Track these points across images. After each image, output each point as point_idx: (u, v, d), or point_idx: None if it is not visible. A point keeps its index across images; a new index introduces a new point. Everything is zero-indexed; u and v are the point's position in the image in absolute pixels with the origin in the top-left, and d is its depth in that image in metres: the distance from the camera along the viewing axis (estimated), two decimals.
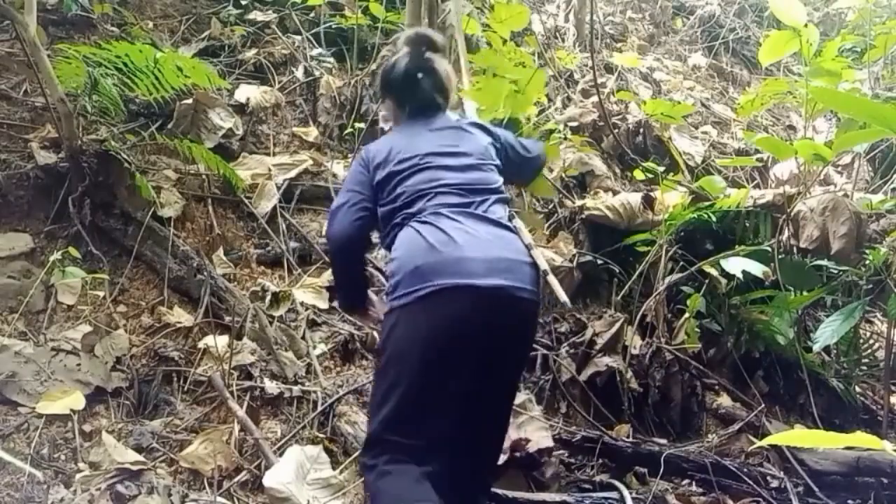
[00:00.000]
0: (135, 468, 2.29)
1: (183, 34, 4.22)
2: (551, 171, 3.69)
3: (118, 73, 3.08)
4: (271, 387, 2.71)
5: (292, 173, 3.60)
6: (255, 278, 3.21)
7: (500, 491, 2.38)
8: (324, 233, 3.46)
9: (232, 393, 2.64)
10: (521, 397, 2.74)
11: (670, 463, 2.71)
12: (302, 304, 3.07)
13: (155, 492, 2.24)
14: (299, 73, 4.22)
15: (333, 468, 2.44)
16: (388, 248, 2.00)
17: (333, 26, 4.45)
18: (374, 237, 2.25)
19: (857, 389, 3.54)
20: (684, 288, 3.35)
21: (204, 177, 3.42)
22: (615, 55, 5.39)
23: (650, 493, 2.61)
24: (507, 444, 2.53)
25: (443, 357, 1.83)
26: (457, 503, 1.92)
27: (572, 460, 2.78)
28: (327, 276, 3.23)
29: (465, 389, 1.88)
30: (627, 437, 2.89)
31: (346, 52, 4.36)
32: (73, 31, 3.85)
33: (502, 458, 2.49)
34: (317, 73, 4.20)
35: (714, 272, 3.31)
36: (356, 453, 2.50)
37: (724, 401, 3.27)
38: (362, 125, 3.87)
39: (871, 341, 3.66)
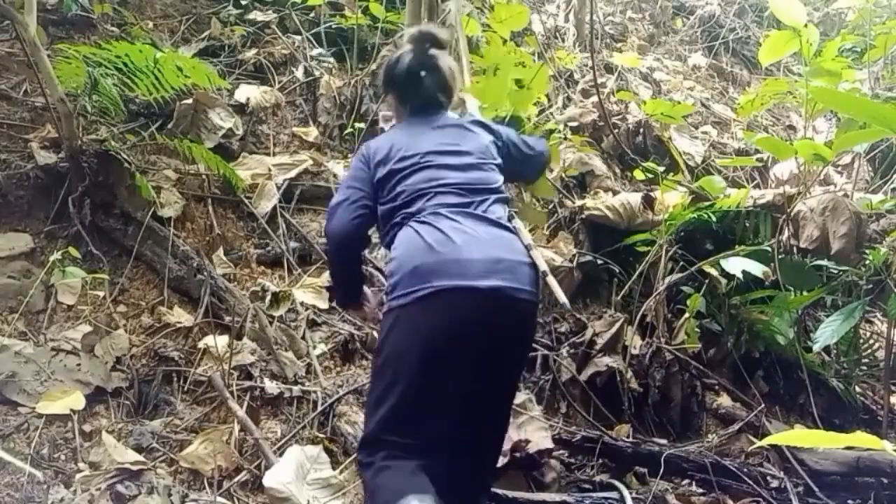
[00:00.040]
0: (135, 468, 2.29)
1: (183, 34, 4.22)
2: (551, 171, 3.68)
3: (118, 73, 3.08)
4: (271, 387, 2.71)
5: (292, 173, 3.60)
6: (255, 278, 3.21)
7: (500, 491, 2.38)
8: (323, 232, 3.48)
9: (232, 393, 2.64)
10: (521, 397, 2.74)
11: (670, 463, 2.71)
12: (302, 304, 3.07)
13: (155, 492, 2.24)
14: (299, 73, 4.22)
15: (333, 468, 2.44)
16: (388, 246, 2.01)
17: (333, 26, 4.45)
18: (374, 236, 2.25)
19: (857, 389, 3.54)
20: (684, 288, 3.35)
21: (204, 177, 3.42)
22: (615, 55, 5.39)
23: (650, 493, 2.61)
24: (507, 445, 2.54)
25: (441, 358, 1.83)
26: (457, 503, 1.92)
27: (572, 460, 2.78)
28: (327, 276, 3.22)
29: (464, 390, 1.88)
30: (627, 437, 2.88)
31: (346, 52, 4.36)
32: (73, 31, 3.85)
33: (503, 460, 2.50)
34: (317, 73, 4.20)
35: (714, 272, 3.31)
36: (356, 453, 2.50)
37: (724, 401, 3.27)
38: (362, 125, 3.87)
39: (871, 341, 3.66)
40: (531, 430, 2.64)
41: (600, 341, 3.13)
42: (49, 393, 2.50)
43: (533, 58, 4.49)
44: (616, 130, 4.25)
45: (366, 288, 2.26)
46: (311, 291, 3.14)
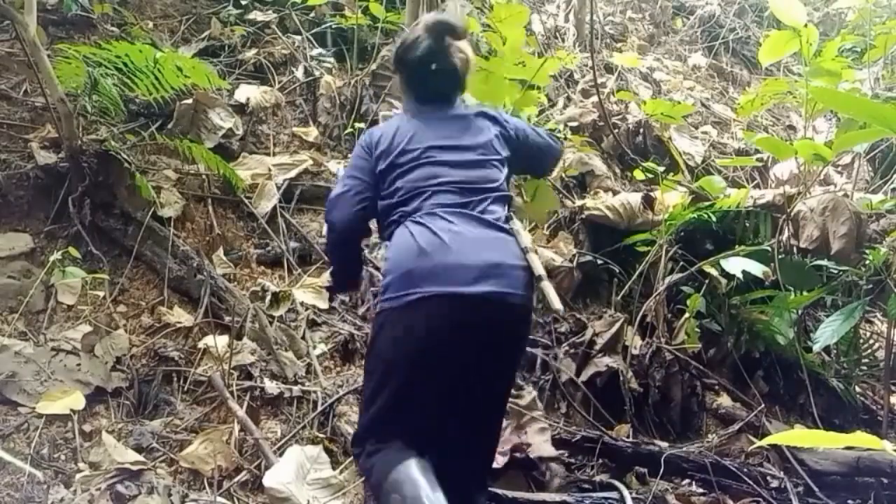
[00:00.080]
0: (135, 468, 2.29)
1: (183, 34, 4.22)
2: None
3: (118, 73, 3.08)
4: (271, 387, 2.71)
5: (292, 173, 3.60)
6: (255, 278, 3.21)
7: (500, 491, 2.39)
8: (323, 232, 3.48)
9: (232, 393, 2.64)
10: (526, 397, 2.75)
11: (670, 463, 2.71)
12: (302, 304, 3.07)
13: (155, 492, 2.24)
14: (299, 73, 4.21)
15: (333, 468, 2.44)
16: (387, 240, 2.01)
17: (333, 26, 4.45)
18: (375, 236, 2.25)
19: (857, 389, 3.54)
20: (684, 288, 3.35)
21: (204, 177, 3.42)
22: (615, 55, 5.39)
23: (650, 493, 2.61)
24: (508, 446, 2.54)
25: (429, 363, 1.84)
26: (455, 503, 1.92)
27: (572, 460, 2.78)
28: (327, 276, 3.23)
29: (454, 394, 1.89)
30: (627, 437, 2.88)
31: (346, 52, 4.36)
32: (73, 31, 3.85)
33: (503, 460, 2.50)
34: (317, 73, 4.20)
35: (714, 272, 3.31)
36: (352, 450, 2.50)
37: (724, 401, 3.27)
38: (362, 125, 3.87)
39: (871, 341, 3.66)
40: (532, 431, 2.65)
41: (600, 341, 3.13)
42: (49, 393, 2.50)
43: (533, 58, 4.48)
44: (616, 130, 4.25)
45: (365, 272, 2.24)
46: (311, 291, 3.14)
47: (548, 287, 1.95)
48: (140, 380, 2.68)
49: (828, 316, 3.25)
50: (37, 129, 3.29)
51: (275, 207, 3.45)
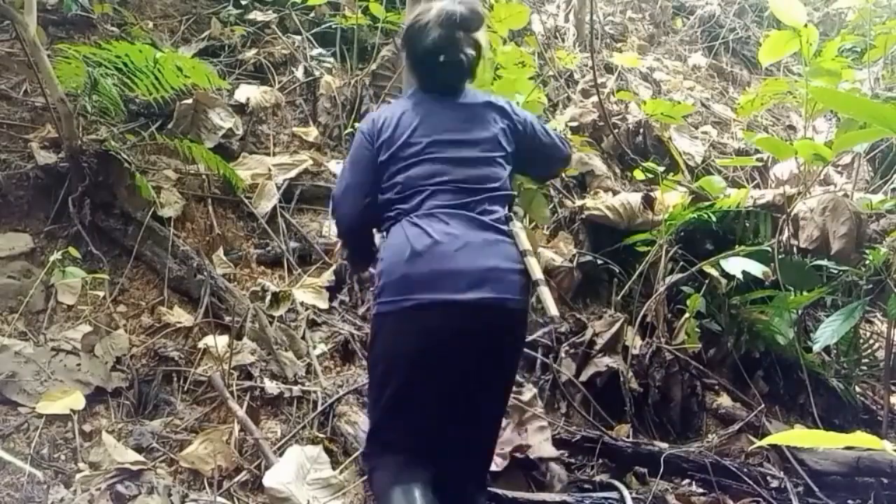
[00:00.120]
0: (135, 468, 2.29)
1: (183, 34, 4.22)
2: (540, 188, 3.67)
3: (118, 73, 3.08)
4: (271, 387, 2.71)
5: (292, 173, 3.60)
6: (255, 278, 3.21)
7: (500, 491, 2.39)
8: (323, 232, 3.48)
9: (232, 393, 2.64)
10: (526, 394, 2.75)
11: (670, 463, 2.71)
12: (302, 304, 3.07)
13: (155, 492, 2.24)
14: (299, 73, 4.21)
15: (333, 468, 2.44)
16: (384, 234, 1.99)
17: (333, 26, 4.45)
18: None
19: (857, 389, 3.54)
20: (684, 288, 3.35)
21: (204, 177, 3.42)
22: (615, 55, 5.39)
23: (650, 493, 2.61)
24: (508, 447, 2.54)
25: (427, 368, 1.84)
26: (454, 503, 1.92)
27: (572, 460, 2.78)
28: (327, 276, 3.23)
29: (453, 397, 1.89)
30: (627, 437, 2.89)
31: (346, 52, 4.36)
32: (73, 31, 3.85)
33: (503, 462, 2.50)
34: (317, 73, 4.19)
35: (714, 272, 3.30)
36: (356, 453, 2.51)
37: (724, 401, 3.27)
38: None
39: (871, 341, 3.66)
40: (532, 430, 2.65)
41: (600, 341, 3.13)
42: (49, 393, 2.50)
43: (533, 58, 4.49)
44: (616, 130, 4.25)
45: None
46: (311, 291, 3.14)
47: (545, 292, 1.91)
48: (140, 380, 2.69)
49: (828, 316, 3.24)
50: (37, 129, 3.29)
51: (275, 207, 3.45)
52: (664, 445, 2.87)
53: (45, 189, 3.10)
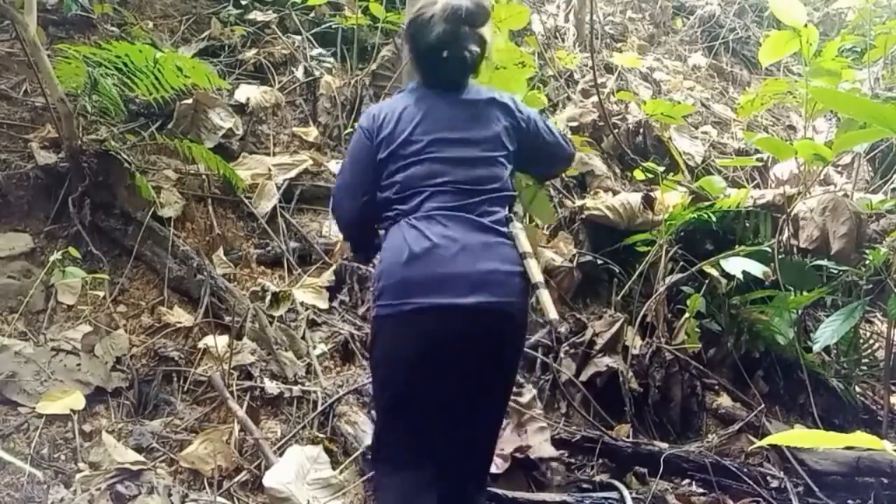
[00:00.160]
0: (135, 468, 2.29)
1: (183, 34, 4.22)
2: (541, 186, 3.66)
3: (118, 73, 3.08)
4: (271, 387, 2.71)
5: (292, 173, 3.60)
6: (255, 278, 3.21)
7: (500, 491, 2.39)
8: (323, 232, 3.48)
9: (232, 393, 2.64)
10: (526, 395, 2.75)
11: (670, 463, 2.71)
12: (302, 304, 3.07)
13: (155, 492, 2.24)
14: (299, 73, 4.21)
15: (333, 468, 2.44)
16: (384, 230, 1.97)
17: (333, 26, 4.45)
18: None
19: (857, 389, 3.54)
20: (684, 288, 3.35)
21: (204, 177, 3.42)
22: (615, 55, 5.39)
23: (650, 493, 2.61)
24: (509, 448, 2.54)
25: (426, 371, 1.83)
26: (455, 503, 1.93)
27: (572, 460, 2.78)
28: (327, 276, 3.23)
29: (454, 400, 1.89)
30: (627, 437, 2.89)
31: (346, 52, 4.36)
32: (73, 31, 3.85)
33: (504, 464, 2.50)
34: (317, 73, 4.19)
35: (714, 272, 3.30)
36: (356, 453, 2.51)
37: (724, 401, 3.27)
38: None
39: (871, 341, 3.66)
40: (532, 430, 2.65)
41: (600, 341, 3.13)
42: (49, 393, 2.50)
43: (533, 58, 4.49)
44: (616, 130, 4.25)
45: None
46: (311, 291, 3.14)
47: (544, 295, 1.89)
48: (140, 380, 2.69)
49: (828, 316, 3.24)
50: (37, 129, 3.29)
51: (275, 207, 3.45)
52: (664, 445, 2.87)
53: (45, 189, 3.10)
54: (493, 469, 2.31)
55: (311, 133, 3.95)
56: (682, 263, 3.41)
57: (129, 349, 2.76)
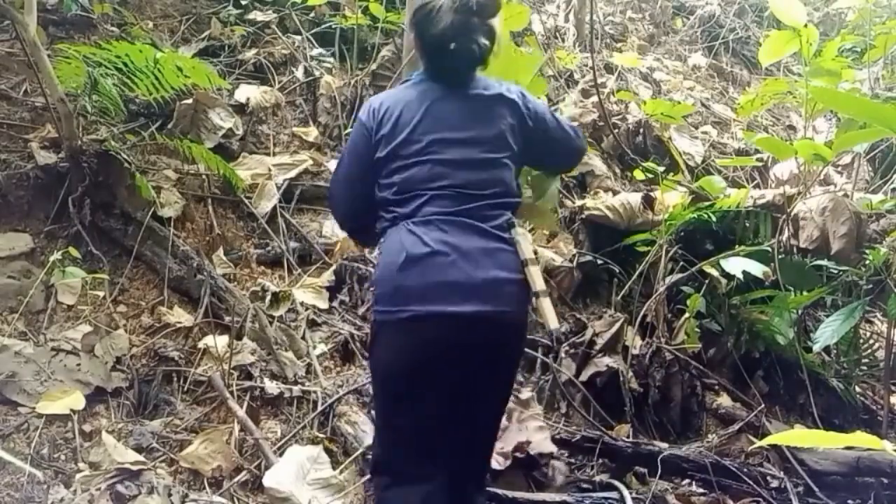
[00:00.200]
0: (135, 468, 2.29)
1: (183, 34, 4.22)
2: (556, 178, 3.65)
3: (118, 73, 3.08)
4: (271, 387, 2.71)
5: (292, 173, 3.60)
6: (255, 278, 3.21)
7: (500, 491, 2.39)
8: (323, 232, 3.48)
9: (232, 393, 2.64)
10: (525, 394, 2.75)
11: (670, 463, 2.71)
12: (302, 304, 3.07)
13: (155, 492, 2.24)
14: (299, 73, 4.21)
15: (333, 468, 2.44)
16: (382, 232, 1.93)
17: (333, 26, 4.45)
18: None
19: (857, 389, 3.54)
20: (684, 288, 3.35)
21: (204, 177, 3.42)
22: (615, 55, 5.39)
23: (650, 493, 2.61)
24: (509, 446, 2.54)
25: (424, 378, 1.81)
26: (455, 503, 1.93)
27: (572, 460, 2.78)
28: (327, 276, 3.23)
29: (453, 404, 1.87)
30: (627, 437, 2.89)
31: (346, 52, 4.36)
32: (73, 31, 3.85)
33: (505, 462, 2.50)
34: (317, 73, 4.19)
35: (714, 272, 3.31)
36: (356, 453, 2.51)
37: (724, 401, 3.27)
38: None
39: (871, 341, 3.66)
40: (531, 428, 2.65)
41: (600, 341, 3.13)
42: (49, 393, 2.50)
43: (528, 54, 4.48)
44: (616, 130, 4.25)
45: None
46: (311, 291, 3.14)
47: (545, 304, 1.85)
48: (140, 380, 2.69)
49: (828, 316, 3.24)
50: (37, 129, 3.29)
51: (275, 207, 3.45)
52: (664, 445, 2.87)
53: (45, 189, 3.10)
54: (494, 466, 2.31)
55: (311, 133, 3.95)
56: (682, 263, 3.41)
57: (129, 349, 2.76)
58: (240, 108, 3.81)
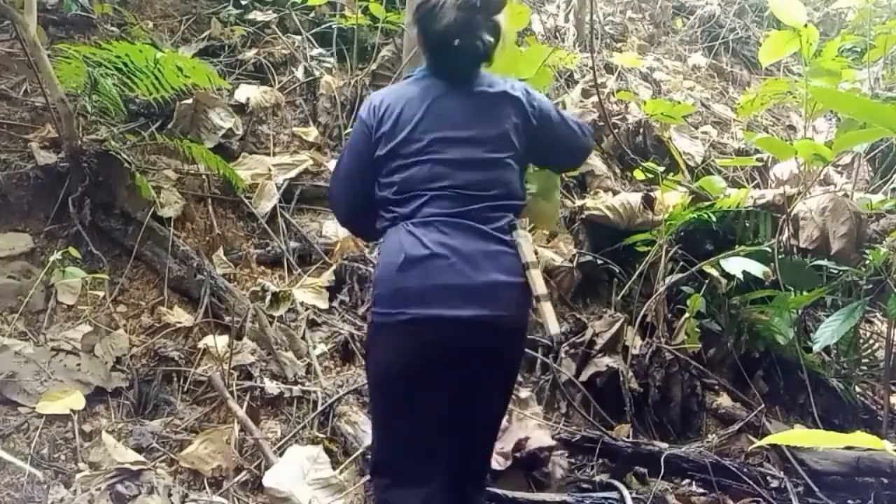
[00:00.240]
0: (135, 468, 2.29)
1: (183, 34, 4.22)
2: (557, 175, 3.65)
3: (118, 73, 3.08)
4: (271, 387, 2.71)
5: (292, 173, 3.60)
6: (255, 278, 3.21)
7: (499, 491, 2.39)
8: (323, 232, 3.48)
9: (232, 393, 2.64)
10: (524, 393, 2.75)
11: (670, 463, 2.71)
12: (302, 304, 3.07)
13: (155, 492, 2.24)
14: (299, 73, 4.21)
15: (333, 468, 2.44)
16: (382, 231, 1.91)
17: (333, 26, 4.45)
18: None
19: (857, 389, 3.54)
20: (684, 288, 3.35)
21: (204, 177, 3.42)
22: (615, 55, 5.39)
23: (650, 493, 2.61)
24: (510, 445, 2.54)
25: (420, 382, 1.80)
26: (455, 503, 1.92)
27: (572, 460, 2.78)
28: (327, 276, 3.23)
29: (452, 407, 1.85)
30: (627, 437, 2.89)
31: (346, 52, 4.36)
32: (73, 31, 3.85)
33: (506, 462, 2.50)
34: (317, 73, 4.19)
35: (714, 272, 3.31)
36: (356, 453, 2.51)
37: (724, 401, 3.27)
38: None
39: (871, 341, 3.66)
40: (530, 426, 2.65)
41: (600, 341, 3.13)
42: (49, 393, 2.50)
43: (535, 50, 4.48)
44: (616, 130, 4.25)
45: None
46: (311, 291, 3.14)
47: (546, 308, 1.83)
48: (140, 380, 2.69)
49: (828, 316, 3.24)
50: (37, 129, 3.29)
51: (275, 207, 3.45)
52: (664, 445, 2.87)
53: (45, 189, 3.10)
54: (494, 466, 2.31)
55: (311, 133, 3.95)
56: (682, 263, 3.41)
57: (129, 349, 2.76)
58: (240, 108, 3.81)
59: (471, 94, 1.89)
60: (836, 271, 3.43)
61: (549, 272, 3.35)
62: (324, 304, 3.13)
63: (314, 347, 2.94)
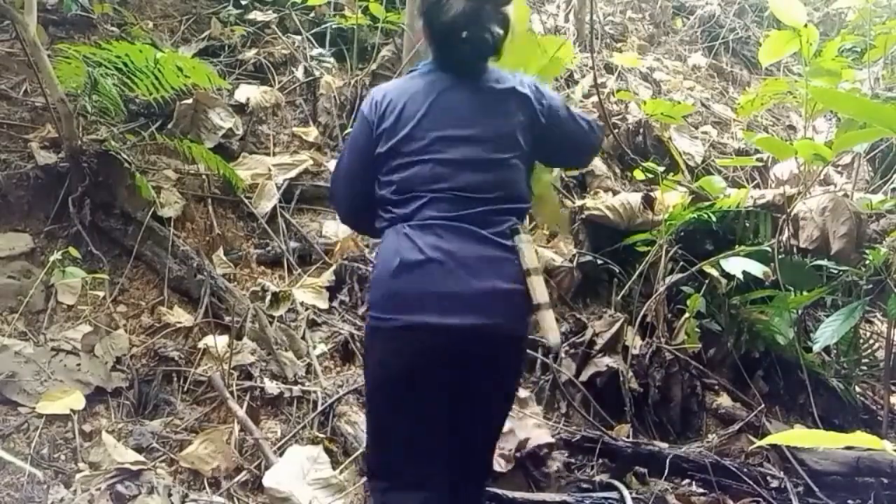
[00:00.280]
0: (135, 468, 2.29)
1: (183, 34, 4.22)
2: (551, 171, 3.66)
3: (118, 73, 3.08)
4: (271, 387, 2.71)
5: (292, 173, 3.60)
6: (255, 278, 3.21)
7: (500, 491, 2.39)
8: (323, 232, 3.48)
9: (232, 393, 2.64)
10: (523, 394, 2.75)
11: (670, 463, 2.71)
12: (302, 304, 3.07)
13: (155, 492, 2.24)
14: (299, 73, 4.21)
15: (333, 468, 2.44)
16: (381, 231, 1.88)
17: (333, 26, 4.45)
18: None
19: (857, 389, 3.54)
20: (684, 288, 3.35)
21: (204, 177, 3.42)
22: (615, 55, 5.39)
23: (650, 493, 2.61)
24: (511, 445, 2.54)
25: (416, 388, 1.76)
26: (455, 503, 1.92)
27: (572, 460, 2.78)
28: (327, 276, 3.23)
29: (448, 413, 1.82)
30: (627, 437, 2.89)
31: (346, 52, 4.36)
32: (73, 31, 3.85)
33: (507, 465, 2.49)
34: (317, 73, 4.19)
35: (714, 272, 3.31)
36: (356, 453, 2.51)
37: (724, 401, 3.27)
38: None
39: (871, 341, 3.66)
40: (530, 426, 2.66)
41: (600, 341, 3.13)
42: (49, 393, 2.50)
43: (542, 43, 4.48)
44: (616, 130, 4.25)
45: None
46: (311, 291, 3.14)
47: (547, 316, 1.77)
48: (140, 380, 2.69)
49: (828, 316, 3.24)
50: (37, 129, 3.29)
51: (275, 207, 3.45)
52: (664, 445, 2.87)
53: (45, 189, 3.10)
54: (495, 468, 2.31)
55: (311, 133, 3.95)
56: (682, 263, 3.41)
57: (129, 349, 2.76)
58: (240, 108, 3.81)
59: (477, 89, 1.83)
60: (836, 271, 3.43)
61: (549, 272, 3.35)
62: (324, 304, 3.13)
63: (314, 347, 2.94)
